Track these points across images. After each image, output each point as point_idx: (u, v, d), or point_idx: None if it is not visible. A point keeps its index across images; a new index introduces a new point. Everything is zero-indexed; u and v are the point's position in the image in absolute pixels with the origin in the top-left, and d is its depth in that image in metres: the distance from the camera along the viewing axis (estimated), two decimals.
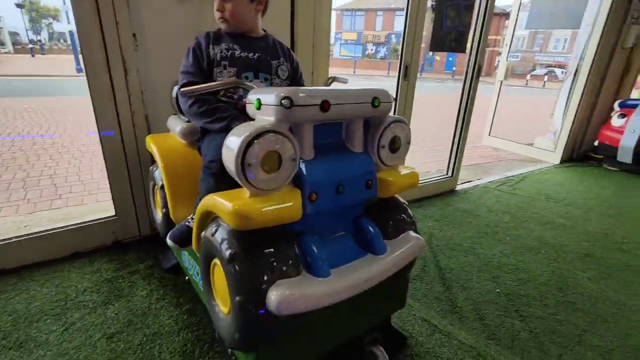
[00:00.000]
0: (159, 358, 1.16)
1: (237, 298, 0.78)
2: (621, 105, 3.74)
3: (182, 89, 1.04)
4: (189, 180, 1.28)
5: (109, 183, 1.68)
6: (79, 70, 11.58)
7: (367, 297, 0.89)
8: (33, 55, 20.23)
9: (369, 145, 0.93)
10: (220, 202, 0.79)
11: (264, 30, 1.29)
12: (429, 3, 2.20)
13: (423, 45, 2.31)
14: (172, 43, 1.56)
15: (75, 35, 1.52)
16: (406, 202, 1.08)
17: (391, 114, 0.93)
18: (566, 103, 3.83)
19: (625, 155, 3.58)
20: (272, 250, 0.80)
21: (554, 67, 23.60)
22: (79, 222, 1.69)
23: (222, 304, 0.90)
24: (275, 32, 1.33)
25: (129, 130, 1.63)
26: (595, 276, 1.78)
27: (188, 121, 1.38)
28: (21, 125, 5.02)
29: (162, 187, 1.36)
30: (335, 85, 1.23)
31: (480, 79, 2.60)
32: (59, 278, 1.51)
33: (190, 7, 1.58)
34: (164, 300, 1.42)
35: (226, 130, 0.92)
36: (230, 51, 1.17)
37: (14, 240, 1.55)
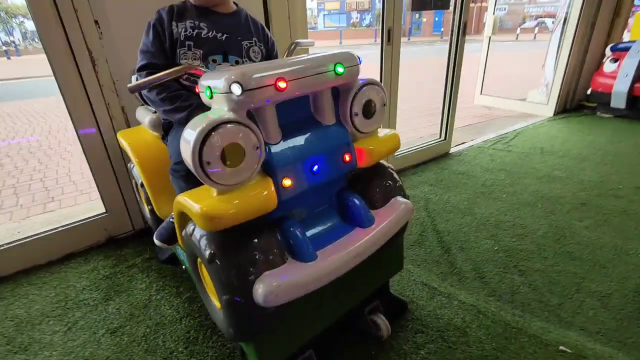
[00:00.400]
0: (163, 347, 1.17)
1: (224, 297, 0.76)
2: (613, 49, 3.64)
3: (138, 72, 0.98)
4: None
5: (95, 181, 1.65)
6: None
7: (361, 269, 0.87)
8: (9, 58, 19.51)
9: (340, 114, 0.86)
10: (188, 203, 0.74)
11: (236, 4, 1.17)
12: None
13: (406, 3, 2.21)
14: (140, 26, 1.45)
15: None
16: (391, 166, 1.04)
17: (361, 76, 0.85)
18: (557, 53, 3.73)
19: (618, 101, 3.53)
20: (252, 243, 0.75)
21: (544, 17, 22.89)
22: (69, 222, 1.67)
23: (215, 299, 0.88)
24: (247, 4, 1.24)
25: (107, 124, 1.57)
26: (592, 224, 1.79)
27: (155, 112, 1.29)
28: (5, 131, 4.91)
29: (142, 185, 1.33)
30: (299, 53, 1.11)
31: (470, 37, 2.52)
32: (57, 280, 1.51)
33: None
34: (164, 291, 1.42)
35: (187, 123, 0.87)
36: (195, 30, 1.05)
37: (5, 247, 1.53)
